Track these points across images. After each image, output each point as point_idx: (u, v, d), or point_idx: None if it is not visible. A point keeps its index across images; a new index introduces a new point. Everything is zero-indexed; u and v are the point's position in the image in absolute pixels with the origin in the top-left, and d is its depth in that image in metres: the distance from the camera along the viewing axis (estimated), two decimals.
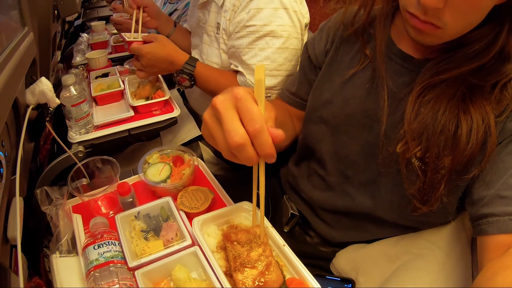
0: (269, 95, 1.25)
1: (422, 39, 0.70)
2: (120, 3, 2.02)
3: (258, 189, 0.67)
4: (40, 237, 0.92)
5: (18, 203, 0.69)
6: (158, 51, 1.28)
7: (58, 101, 0.95)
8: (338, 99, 0.90)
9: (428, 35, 0.68)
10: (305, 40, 1.30)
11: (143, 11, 1.61)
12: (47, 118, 1.01)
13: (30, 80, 0.95)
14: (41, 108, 0.98)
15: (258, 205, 0.71)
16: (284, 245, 0.72)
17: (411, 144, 0.73)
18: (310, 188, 1.01)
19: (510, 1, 0.62)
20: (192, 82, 1.31)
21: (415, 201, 0.75)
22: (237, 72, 1.30)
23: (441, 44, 0.71)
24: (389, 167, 0.80)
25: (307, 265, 0.68)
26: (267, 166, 0.62)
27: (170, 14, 2.13)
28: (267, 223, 0.77)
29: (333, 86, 0.92)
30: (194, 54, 1.53)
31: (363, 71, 0.87)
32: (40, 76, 0.94)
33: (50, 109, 0.99)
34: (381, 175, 0.84)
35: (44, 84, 0.91)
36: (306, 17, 1.27)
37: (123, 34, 1.51)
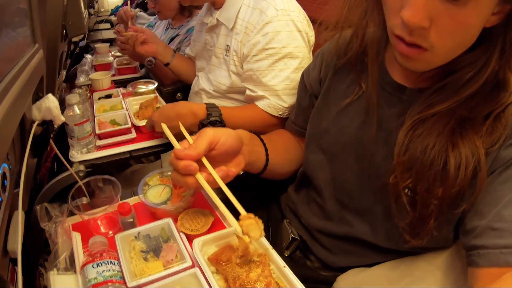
0: (280, 113, 1.30)
1: (411, 66, 0.68)
2: (123, 27, 2.08)
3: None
4: (37, 255, 0.90)
5: (20, 216, 0.68)
6: (167, 111, 1.23)
7: (63, 119, 0.95)
8: (334, 128, 0.91)
9: (415, 61, 0.66)
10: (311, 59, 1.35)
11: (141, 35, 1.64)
12: (52, 135, 1.02)
13: (37, 96, 0.96)
14: (46, 124, 0.98)
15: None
16: (284, 266, 0.72)
17: (400, 177, 0.72)
18: (309, 214, 1.00)
19: (500, 24, 0.60)
20: (224, 125, 1.24)
21: (405, 234, 0.74)
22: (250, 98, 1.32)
23: (432, 70, 0.69)
24: (383, 197, 0.79)
25: None
26: (269, 192, 0.64)
27: (172, 39, 2.17)
28: (267, 245, 0.76)
29: (330, 115, 0.93)
30: (201, 76, 1.55)
31: (358, 101, 0.87)
32: (46, 94, 0.95)
33: (55, 126, 0.99)
34: (376, 204, 0.84)
35: (51, 101, 0.91)
36: (312, 40, 1.33)
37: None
